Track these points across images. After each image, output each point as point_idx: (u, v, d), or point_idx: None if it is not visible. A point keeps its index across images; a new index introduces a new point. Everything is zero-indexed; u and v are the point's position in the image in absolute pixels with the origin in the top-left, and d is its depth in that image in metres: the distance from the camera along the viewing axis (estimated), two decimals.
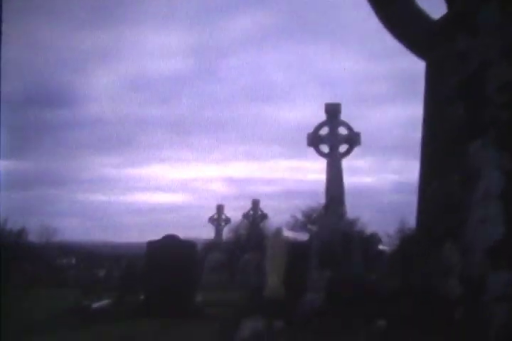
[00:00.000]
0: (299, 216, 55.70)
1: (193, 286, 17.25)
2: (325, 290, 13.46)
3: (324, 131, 17.52)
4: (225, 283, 31.31)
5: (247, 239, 37.58)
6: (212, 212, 34.47)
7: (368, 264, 18.29)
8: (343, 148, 17.38)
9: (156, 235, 18.02)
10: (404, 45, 2.26)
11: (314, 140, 17.37)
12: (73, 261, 42.04)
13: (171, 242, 16.95)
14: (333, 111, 17.50)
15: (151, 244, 17.15)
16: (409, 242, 8.91)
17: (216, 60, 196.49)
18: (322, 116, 17.69)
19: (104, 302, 17.66)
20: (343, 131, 17.45)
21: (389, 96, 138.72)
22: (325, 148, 17.42)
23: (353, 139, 17.28)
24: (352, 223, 16.86)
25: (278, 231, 15.15)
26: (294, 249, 15.11)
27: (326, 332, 12.82)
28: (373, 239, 26.47)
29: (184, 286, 16.50)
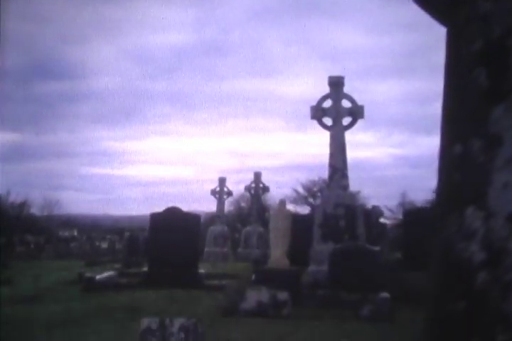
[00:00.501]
0: (300, 189, 56.01)
1: (196, 258, 17.33)
2: (328, 261, 13.52)
3: (327, 103, 17.47)
4: (226, 255, 31.51)
5: (249, 211, 37.69)
6: (214, 185, 34.56)
7: (370, 237, 18.35)
8: (346, 120, 17.35)
9: (158, 208, 18.21)
10: (425, 10, 2.23)
11: (317, 112, 17.31)
12: (75, 233, 42.30)
13: (175, 214, 17.00)
14: (336, 84, 17.42)
15: (155, 216, 17.19)
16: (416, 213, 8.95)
17: (219, 34, 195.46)
18: (324, 91, 17.64)
19: (108, 273, 17.75)
20: (346, 103, 17.40)
21: (391, 70, 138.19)
22: (328, 121, 17.38)
23: (357, 112, 17.23)
24: (354, 196, 16.83)
25: (282, 203, 15.18)
26: (298, 220, 15.16)
27: (329, 304, 12.92)
28: (375, 212, 26.54)
29: (187, 258, 16.58)
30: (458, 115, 2.11)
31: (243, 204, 56.59)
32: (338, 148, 17.12)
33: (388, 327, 10.52)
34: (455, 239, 2.07)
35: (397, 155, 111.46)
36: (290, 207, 39.34)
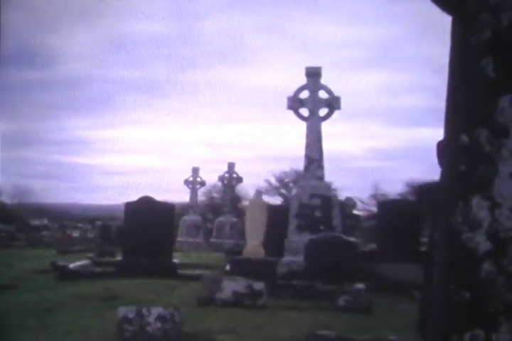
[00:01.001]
0: (272, 180, 56.07)
1: (170, 248, 17.30)
2: (305, 252, 13.56)
3: (304, 94, 17.50)
4: (199, 245, 31.51)
5: (221, 201, 37.69)
6: (185, 174, 34.53)
7: (344, 228, 18.44)
8: (322, 111, 17.39)
9: (129, 197, 18.12)
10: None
11: (294, 103, 17.34)
12: (45, 221, 41.94)
13: (149, 204, 16.94)
14: (313, 75, 17.45)
15: (130, 205, 17.12)
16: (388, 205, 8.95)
17: (193, 23, 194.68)
18: (299, 81, 17.68)
19: (82, 262, 17.65)
20: (323, 94, 17.44)
21: (366, 62, 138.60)
22: (305, 112, 17.41)
23: (333, 103, 17.28)
24: (330, 186, 16.90)
25: (258, 194, 15.18)
26: (273, 211, 15.17)
27: (305, 294, 12.96)
28: (348, 204, 26.67)
29: (162, 247, 16.54)
30: (464, 105, 2.11)
31: (215, 195, 56.56)
32: (314, 139, 17.16)
33: (366, 318, 10.58)
34: (461, 229, 2.07)
35: (369, 147, 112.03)
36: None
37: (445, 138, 2.22)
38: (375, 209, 51.13)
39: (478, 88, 2.11)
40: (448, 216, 2.12)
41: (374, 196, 54.15)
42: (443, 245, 2.15)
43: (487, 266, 2.02)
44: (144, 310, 8.66)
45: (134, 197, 17.56)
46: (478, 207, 2.05)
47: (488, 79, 2.09)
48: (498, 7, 2.11)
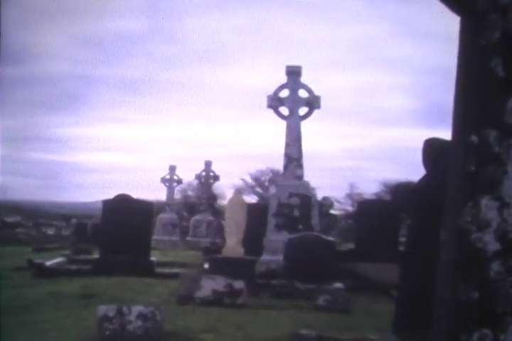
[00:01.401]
0: (248, 179, 56.07)
1: (148, 246, 17.23)
2: (284, 251, 13.56)
3: (284, 93, 17.50)
4: (175, 243, 31.44)
5: (198, 200, 37.62)
6: (161, 172, 34.48)
7: (321, 227, 18.49)
8: (302, 110, 17.41)
9: (105, 195, 17.97)
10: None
11: (274, 102, 17.33)
12: (19, 219, 41.53)
13: (127, 202, 16.86)
14: (294, 74, 17.45)
15: (107, 203, 17.01)
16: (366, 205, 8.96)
17: (172, 21, 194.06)
18: (276, 81, 17.69)
19: (58, 260, 17.54)
20: (303, 93, 17.45)
21: (343, 62, 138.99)
22: (285, 111, 17.42)
23: (313, 102, 17.29)
24: (309, 185, 16.92)
25: (238, 192, 15.17)
26: (252, 210, 15.15)
27: (284, 293, 12.97)
28: (326, 203, 26.74)
29: (139, 245, 16.47)
30: (473, 105, 2.11)
31: (190, 193, 56.44)
32: (293, 138, 17.17)
33: (345, 317, 10.60)
34: (470, 229, 2.07)
35: (345, 147, 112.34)
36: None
37: (453, 138, 2.22)
38: (350, 208, 51.46)
39: (488, 88, 2.11)
40: (456, 216, 2.12)
41: (350, 196, 54.36)
42: (451, 245, 2.15)
43: (496, 266, 2.02)
44: (125, 309, 8.60)
45: (110, 195, 17.48)
46: (487, 207, 2.06)
47: (497, 80, 2.09)
48: (507, 8, 2.11)
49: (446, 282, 2.13)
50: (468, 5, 2.16)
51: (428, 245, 7.98)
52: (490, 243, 2.04)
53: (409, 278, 8.25)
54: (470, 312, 2.04)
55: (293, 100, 17.28)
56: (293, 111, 17.27)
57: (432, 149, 8.62)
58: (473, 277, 2.04)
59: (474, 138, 2.11)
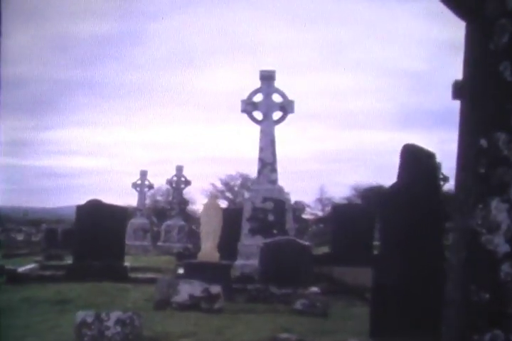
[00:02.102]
0: (218, 183, 56.07)
1: (122, 251, 17.14)
2: (260, 255, 13.56)
3: (258, 97, 17.53)
4: (147, 248, 31.32)
5: (169, 205, 37.51)
6: (132, 177, 34.37)
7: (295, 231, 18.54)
8: (276, 115, 17.44)
9: (73, 200, 17.88)
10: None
11: (248, 106, 17.35)
12: None
13: (101, 207, 16.76)
14: (267, 78, 17.49)
15: (81, 208, 16.90)
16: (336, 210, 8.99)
17: (139, 24, 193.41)
18: (246, 84, 17.73)
19: (30, 266, 17.38)
20: (277, 98, 17.49)
21: (314, 64, 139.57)
22: (258, 115, 17.44)
23: (287, 107, 17.35)
24: (283, 190, 16.95)
25: (213, 197, 15.15)
26: (226, 214, 15.13)
27: (260, 298, 12.97)
28: (298, 208, 26.80)
29: (113, 251, 16.39)
30: (483, 109, 2.14)
31: (159, 198, 56.26)
32: (267, 143, 17.20)
33: (323, 321, 10.63)
34: (480, 231, 2.10)
35: (315, 150, 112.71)
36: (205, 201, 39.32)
37: (461, 141, 2.24)
38: (321, 213, 51.67)
39: (496, 92, 2.14)
40: (467, 218, 2.14)
41: (320, 200, 54.58)
42: (461, 246, 2.17)
43: (506, 268, 2.04)
44: (103, 315, 8.54)
45: (79, 200, 17.41)
46: (497, 209, 2.08)
47: (506, 84, 2.12)
48: None
49: (457, 283, 2.16)
50: (476, 10, 2.18)
51: (400, 249, 8.41)
52: (500, 245, 2.06)
53: (383, 281, 8.40)
54: (481, 313, 2.06)
55: (267, 105, 17.31)
56: (267, 116, 17.30)
57: (409, 155, 8.85)
58: (483, 278, 2.06)
59: (483, 142, 2.13)
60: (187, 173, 34.66)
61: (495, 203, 2.09)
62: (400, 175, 8.89)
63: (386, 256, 8.69)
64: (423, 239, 8.30)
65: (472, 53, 2.22)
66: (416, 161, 8.79)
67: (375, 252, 18.17)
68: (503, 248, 2.07)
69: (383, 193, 8.73)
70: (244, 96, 17.44)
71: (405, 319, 8.31)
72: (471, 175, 2.15)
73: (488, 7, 2.15)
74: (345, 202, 43.92)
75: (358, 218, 17.51)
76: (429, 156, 8.89)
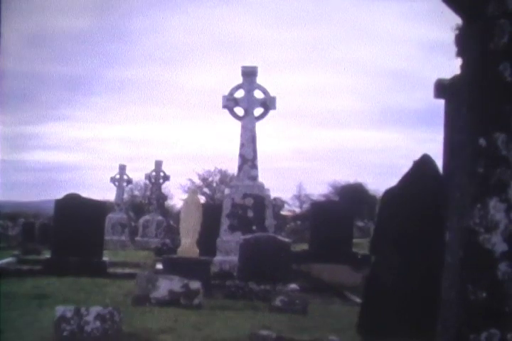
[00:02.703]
0: (196, 179, 55.93)
1: (100, 246, 17.07)
2: (239, 252, 13.55)
3: (240, 93, 17.50)
4: (125, 243, 31.21)
5: (148, 200, 37.40)
6: (110, 173, 34.23)
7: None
8: (258, 111, 17.43)
9: (49, 195, 17.78)
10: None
11: (229, 102, 17.32)
12: None
13: (80, 201, 16.68)
14: (249, 74, 17.46)
15: (60, 203, 16.80)
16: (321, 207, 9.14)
17: (119, 20, 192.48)
18: (224, 82, 17.74)
19: (7, 260, 17.26)
20: (258, 94, 17.48)
21: (294, 62, 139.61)
22: (240, 111, 17.42)
23: (269, 103, 17.33)
24: (263, 186, 16.94)
25: (194, 192, 15.11)
26: (206, 210, 15.10)
27: (238, 294, 12.96)
28: (277, 204, 26.82)
29: (92, 246, 16.32)
30: (482, 109, 2.14)
31: (137, 193, 56.05)
32: (248, 139, 17.19)
33: (302, 318, 10.63)
34: (477, 230, 2.11)
35: (293, 148, 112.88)
36: (184, 197, 39.33)
37: (458, 143, 2.25)
38: (298, 210, 51.78)
39: (496, 92, 2.14)
40: (464, 217, 2.15)
41: (297, 197, 54.66)
42: (457, 246, 2.17)
43: (503, 267, 2.05)
44: (83, 310, 8.49)
45: (55, 195, 17.35)
46: (495, 209, 2.09)
47: (505, 84, 2.13)
48: None
49: (453, 282, 2.16)
50: (476, 11, 2.18)
51: (393, 248, 8.34)
52: (497, 244, 2.07)
53: (376, 280, 8.40)
54: (478, 312, 2.07)
55: (248, 101, 17.29)
56: (248, 112, 17.28)
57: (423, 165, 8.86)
58: (481, 277, 2.07)
59: (482, 142, 2.14)
60: (165, 169, 34.57)
61: (493, 203, 2.09)
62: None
63: (383, 253, 8.64)
64: (422, 237, 8.30)
65: (472, 53, 2.22)
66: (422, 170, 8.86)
67: (354, 249, 18.28)
68: (501, 247, 2.08)
69: (386, 192, 8.74)
70: (226, 93, 17.41)
71: (398, 317, 8.14)
72: (468, 174, 2.15)
73: (488, 7, 2.15)
74: (323, 199, 44.04)
75: (337, 215, 17.57)
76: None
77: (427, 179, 8.65)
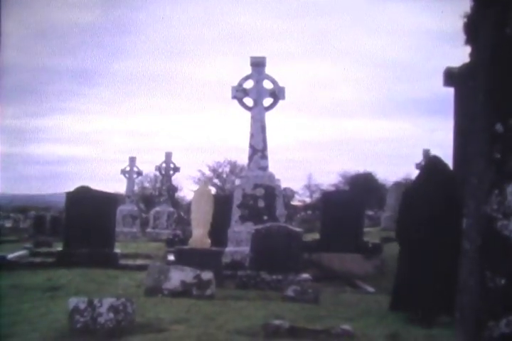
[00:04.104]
0: (206, 170, 55.97)
1: (112, 237, 17.11)
2: (251, 242, 13.54)
3: (249, 84, 17.45)
4: (136, 235, 31.29)
5: (158, 191, 37.45)
6: (121, 165, 34.25)
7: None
8: (267, 101, 17.39)
9: (62, 188, 17.85)
10: None
11: (238, 93, 17.28)
12: None
13: (91, 193, 16.70)
14: (258, 64, 17.41)
15: (71, 195, 16.83)
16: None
17: (126, 12, 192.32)
18: (235, 73, 17.73)
19: (20, 252, 17.32)
20: (267, 84, 17.43)
21: (299, 54, 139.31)
22: (249, 102, 17.38)
23: (278, 93, 17.29)
24: (274, 176, 16.90)
25: (205, 184, 15.10)
26: (217, 201, 15.10)
27: (250, 284, 12.98)
28: (287, 194, 26.81)
29: (103, 237, 16.36)
30: (499, 94, 2.12)
31: (147, 185, 56.14)
32: (258, 129, 17.15)
33: (314, 308, 10.63)
34: (495, 217, 2.09)
35: (302, 138, 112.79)
36: (195, 188, 39.35)
37: (470, 129, 2.23)
38: (308, 199, 51.75)
39: (502, 82, 2.12)
40: (481, 203, 2.13)
41: (308, 187, 54.63)
42: (475, 232, 2.15)
43: None
44: (96, 301, 8.51)
45: (66, 187, 17.37)
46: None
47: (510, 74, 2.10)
48: None
49: (471, 269, 2.14)
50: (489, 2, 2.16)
51: (420, 234, 9.74)
52: None
53: (406, 264, 9.99)
54: (497, 299, 2.05)
55: (257, 91, 17.25)
56: (257, 102, 17.24)
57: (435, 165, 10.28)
58: (499, 264, 2.05)
59: (499, 127, 2.11)
60: (175, 161, 34.59)
61: (510, 188, 2.07)
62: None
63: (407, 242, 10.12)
64: (443, 226, 9.50)
65: (487, 38, 2.19)
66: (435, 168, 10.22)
67: (365, 239, 18.26)
68: None
69: (407, 188, 11.20)
70: (235, 83, 17.37)
71: (422, 297, 9.55)
72: (484, 160, 2.13)
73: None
74: (332, 188, 43.99)
75: (347, 204, 17.54)
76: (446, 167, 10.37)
77: (438, 175, 9.95)
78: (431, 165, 10.32)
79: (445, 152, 9.37)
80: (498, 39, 2.14)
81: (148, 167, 38.68)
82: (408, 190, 10.64)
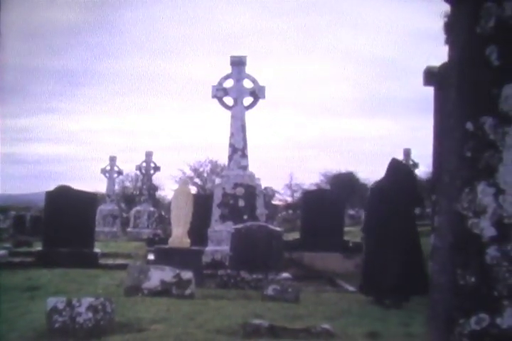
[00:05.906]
0: (187, 170, 55.84)
1: (92, 237, 17.06)
2: (231, 241, 13.55)
3: (229, 83, 17.46)
4: (116, 234, 31.20)
5: (138, 190, 37.35)
6: (101, 164, 34.14)
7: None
8: (247, 100, 17.40)
9: (42, 187, 17.77)
10: None
11: (219, 92, 17.28)
12: None
13: (71, 193, 16.63)
14: (238, 63, 17.42)
15: (51, 195, 16.75)
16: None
17: (110, 11, 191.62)
18: (216, 72, 17.72)
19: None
20: (248, 83, 17.44)
21: (285, 51, 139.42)
22: (229, 101, 17.38)
23: (258, 92, 17.30)
24: (254, 175, 16.92)
25: (184, 183, 15.09)
26: (197, 200, 15.10)
27: (230, 284, 12.99)
28: (267, 194, 26.82)
29: (83, 237, 16.31)
30: (469, 93, 2.14)
31: (128, 184, 55.95)
32: (238, 128, 17.16)
33: (294, 307, 10.65)
34: (466, 215, 2.11)
35: (283, 137, 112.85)
36: (175, 187, 39.28)
37: (445, 127, 2.25)
38: (290, 199, 51.80)
39: (483, 76, 2.14)
40: (453, 201, 2.15)
41: (289, 186, 54.67)
42: (447, 230, 2.17)
43: (492, 252, 2.06)
44: (75, 301, 8.48)
45: (46, 187, 17.33)
46: (484, 193, 2.09)
47: (492, 68, 2.12)
48: None
49: (443, 267, 2.16)
50: None
51: (383, 225, 11.08)
52: (486, 228, 2.07)
53: (371, 249, 11.53)
54: (467, 297, 2.07)
55: (237, 90, 17.25)
56: (237, 102, 17.25)
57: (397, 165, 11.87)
58: (470, 262, 2.07)
59: (470, 126, 2.14)
60: (156, 160, 34.51)
61: (481, 187, 2.09)
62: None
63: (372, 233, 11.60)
64: (401, 220, 11.07)
65: (459, 36, 2.21)
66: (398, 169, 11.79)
67: (345, 238, 18.32)
68: (489, 231, 2.08)
69: (372, 188, 12.60)
70: (215, 83, 17.37)
71: (386, 280, 10.91)
72: (456, 158, 2.15)
73: None
74: (314, 188, 44.05)
75: (328, 204, 17.59)
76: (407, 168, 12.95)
77: (399, 175, 11.51)
78: (393, 166, 11.76)
79: (427, 151, 9.53)
80: (469, 38, 2.16)
81: (130, 166, 38.54)
82: (374, 188, 12.14)
